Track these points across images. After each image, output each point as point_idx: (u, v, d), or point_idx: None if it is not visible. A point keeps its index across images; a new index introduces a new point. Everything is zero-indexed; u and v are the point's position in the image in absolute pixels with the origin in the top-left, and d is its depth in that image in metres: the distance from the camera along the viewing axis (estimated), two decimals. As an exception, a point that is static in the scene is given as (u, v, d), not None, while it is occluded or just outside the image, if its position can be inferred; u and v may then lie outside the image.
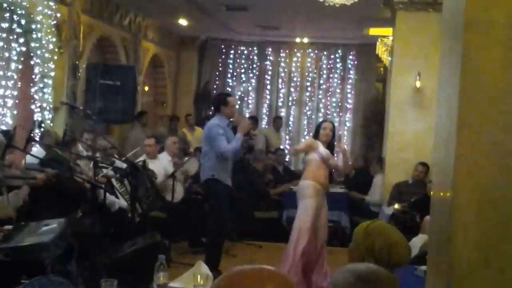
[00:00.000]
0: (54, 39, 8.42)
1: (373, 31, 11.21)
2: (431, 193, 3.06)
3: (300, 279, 6.47)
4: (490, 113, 2.39)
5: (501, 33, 2.40)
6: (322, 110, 14.81)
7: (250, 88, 15.11)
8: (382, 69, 13.99)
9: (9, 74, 7.61)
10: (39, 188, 6.02)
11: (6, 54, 7.56)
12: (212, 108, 7.08)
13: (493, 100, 2.40)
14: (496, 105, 2.39)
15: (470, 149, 2.40)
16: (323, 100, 14.81)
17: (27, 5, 7.79)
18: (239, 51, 15.08)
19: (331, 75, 14.76)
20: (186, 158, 9.34)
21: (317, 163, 6.77)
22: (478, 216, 2.40)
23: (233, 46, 15.05)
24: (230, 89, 14.98)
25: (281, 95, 15.01)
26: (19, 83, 7.82)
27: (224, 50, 15.09)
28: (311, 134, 14.46)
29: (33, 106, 8.27)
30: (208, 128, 7.00)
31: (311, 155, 6.83)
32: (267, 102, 15.05)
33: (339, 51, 14.65)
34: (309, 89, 14.85)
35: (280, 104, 14.94)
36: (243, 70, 15.09)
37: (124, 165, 6.88)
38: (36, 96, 8.31)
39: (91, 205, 6.65)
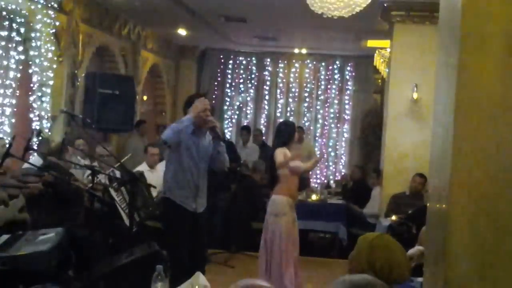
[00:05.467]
0: (53, 48, 8.44)
1: (371, 43, 11.26)
2: (427, 204, 3.07)
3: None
4: (486, 126, 2.41)
5: (497, 46, 2.42)
6: (320, 121, 14.85)
7: (248, 99, 15.16)
8: (379, 80, 14.04)
9: (7, 82, 7.62)
10: (36, 196, 6.02)
11: (5, 62, 7.57)
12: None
13: (488, 113, 2.41)
14: (491, 117, 2.41)
15: (466, 162, 2.41)
16: (321, 111, 14.85)
17: (27, 13, 7.81)
18: (237, 62, 15.13)
19: (329, 86, 14.81)
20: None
21: (289, 176, 6.46)
22: (473, 228, 2.41)
23: (232, 57, 15.10)
24: (228, 99, 15.06)
25: (279, 105, 15.05)
26: (18, 91, 7.83)
27: (223, 60, 15.14)
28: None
29: (31, 115, 8.28)
30: None
31: (284, 170, 6.43)
32: (265, 112, 15.09)
33: (337, 62, 14.70)
34: (307, 99, 14.90)
35: (278, 114, 14.96)
36: (241, 81, 15.14)
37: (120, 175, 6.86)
38: (34, 105, 8.31)
39: (88, 213, 6.65)
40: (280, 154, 6.41)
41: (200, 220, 5.68)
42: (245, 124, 14.47)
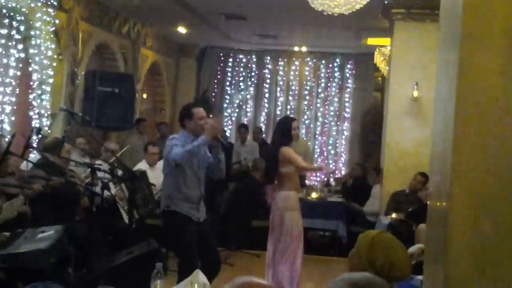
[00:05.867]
0: (53, 46, 8.43)
1: (371, 41, 11.24)
2: (428, 202, 3.07)
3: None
4: (486, 123, 2.41)
5: (498, 43, 2.42)
6: (320, 119, 14.83)
7: (248, 97, 15.15)
8: (380, 78, 14.02)
9: (7, 80, 7.61)
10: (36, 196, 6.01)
11: (5, 61, 7.56)
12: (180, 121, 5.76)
13: (489, 111, 2.41)
14: (492, 115, 2.40)
15: (466, 159, 2.41)
16: (321, 109, 14.84)
17: (26, 12, 7.80)
18: (237, 60, 15.12)
19: (329, 84, 14.80)
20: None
21: (294, 174, 6.50)
22: (473, 225, 2.40)
23: (231, 55, 15.08)
24: (228, 97, 15.06)
25: (279, 103, 15.03)
26: (17, 89, 7.83)
27: (222, 58, 15.13)
28: (312, 140, 14.52)
29: (31, 113, 8.28)
30: (166, 145, 5.58)
31: (289, 168, 6.43)
32: (265, 110, 15.07)
33: (337, 60, 14.69)
34: (307, 97, 14.88)
35: (278, 112, 14.95)
36: (241, 78, 15.12)
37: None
38: (34, 103, 8.31)
39: (88, 211, 6.64)
40: (294, 154, 6.45)
41: (205, 228, 5.67)
42: (244, 122, 14.47)
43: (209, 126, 5.34)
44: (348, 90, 14.74)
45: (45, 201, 6.12)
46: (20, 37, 7.81)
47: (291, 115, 14.51)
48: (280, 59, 14.99)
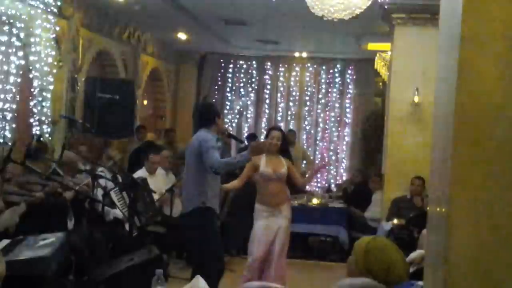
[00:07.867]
0: (53, 53, 8.44)
1: (372, 46, 11.25)
2: (428, 208, 3.06)
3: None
4: (486, 127, 2.40)
5: (498, 47, 2.41)
6: (321, 125, 14.83)
7: (249, 102, 15.15)
8: (380, 83, 14.03)
9: (8, 87, 7.61)
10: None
11: (5, 68, 7.57)
12: (202, 120, 5.92)
13: (489, 115, 2.40)
14: (492, 120, 2.40)
15: (466, 164, 2.40)
16: (322, 115, 14.84)
17: (26, 19, 7.81)
18: (238, 65, 15.12)
19: (330, 90, 14.80)
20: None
21: (261, 183, 6.53)
22: (473, 231, 2.39)
23: (232, 60, 15.09)
24: (229, 103, 15.04)
25: (280, 109, 15.03)
26: (18, 96, 7.83)
27: (223, 64, 15.13)
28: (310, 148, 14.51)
29: (31, 120, 8.28)
30: (200, 141, 5.61)
31: (256, 177, 6.57)
32: (266, 116, 15.07)
33: (338, 65, 14.69)
34: (308, 103, 14.89)
35: (279, 118, 14.96)
36: (242, 84, 15.13)
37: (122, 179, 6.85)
38: (35, 110, 8.31)
39: (88, 217, 6.64)
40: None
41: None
42: (245, 128, 14.50)
43: (257, 147, 5.58)
44: (349, 95, 14.75)
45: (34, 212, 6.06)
46: (20, 44, 7.82)
47: (292, 121, 14.57)
48: (280, 65, 15.00)
